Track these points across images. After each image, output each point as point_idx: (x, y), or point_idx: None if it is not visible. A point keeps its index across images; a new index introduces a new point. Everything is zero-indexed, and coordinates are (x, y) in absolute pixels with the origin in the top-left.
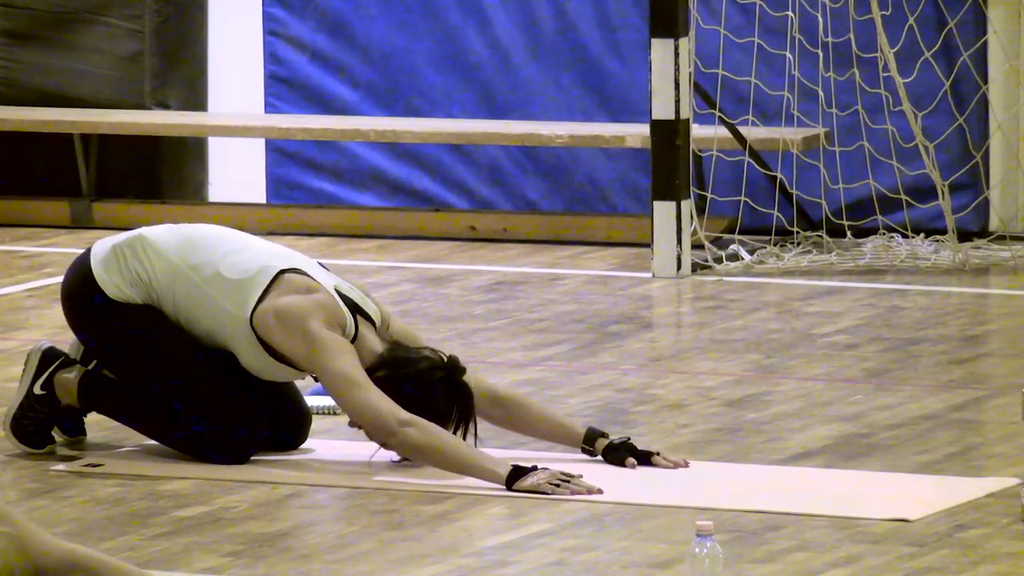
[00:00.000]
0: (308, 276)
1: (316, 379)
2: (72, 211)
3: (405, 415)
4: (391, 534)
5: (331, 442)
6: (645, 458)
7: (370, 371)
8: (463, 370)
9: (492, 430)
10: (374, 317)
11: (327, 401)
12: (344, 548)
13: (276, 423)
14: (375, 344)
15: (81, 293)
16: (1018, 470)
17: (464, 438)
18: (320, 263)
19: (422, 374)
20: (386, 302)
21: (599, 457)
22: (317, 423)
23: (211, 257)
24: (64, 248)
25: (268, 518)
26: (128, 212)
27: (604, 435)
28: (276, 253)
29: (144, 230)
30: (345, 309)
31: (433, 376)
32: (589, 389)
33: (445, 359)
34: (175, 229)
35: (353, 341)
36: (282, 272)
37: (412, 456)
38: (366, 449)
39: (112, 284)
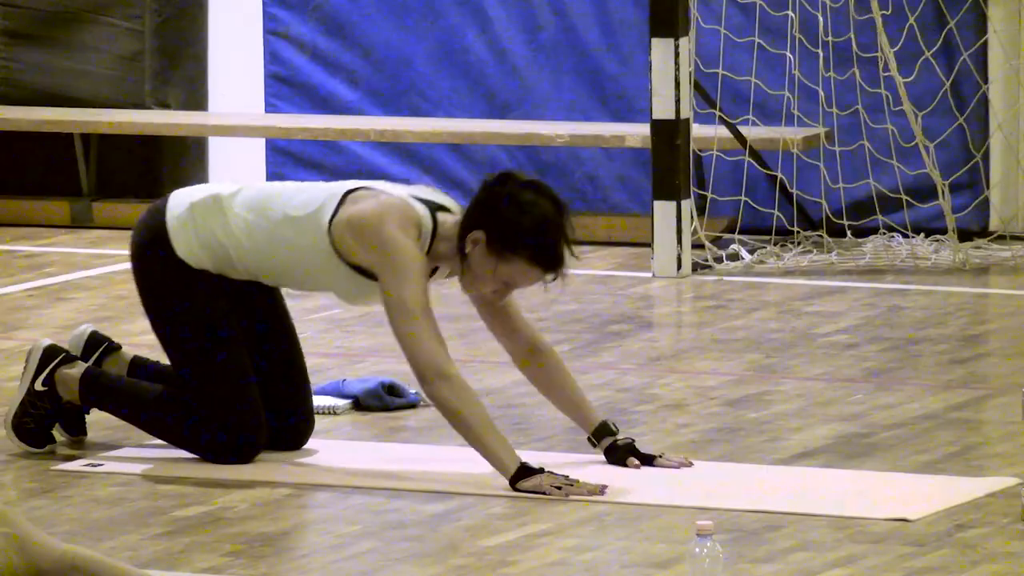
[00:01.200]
0: (374, 189)
1: None
2: (72, 211)
3: (446, 367)
4: (391, 534)
5: (331, 442)
6: (648, 460)
7: (464, 228)
8: (517, 173)
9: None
10: (454, 210)
11: (327, 401)
12: (344, 548)
13: (280, 424)
14: (457, 220)
15: (152, 247)
16: (1018, 470)
17: (565, 215)
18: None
19: (493, 192)
20: None
21: (601, 455)
22: (317, 423)
23: (277, 203)
24: (64, 248)
25: (268, 518)
26: (128, 212)
27: (612, 434)
28: (340, 183)
29: (216, 189)
30: (420, 206)
31: (501, 183)
32: (589, 389)
33: (496, 174)
34: (242, 188)
35: (434, 235)
36: (349, 192)
37: (438, 409)
38: (366, 449)
39: (184, 243)
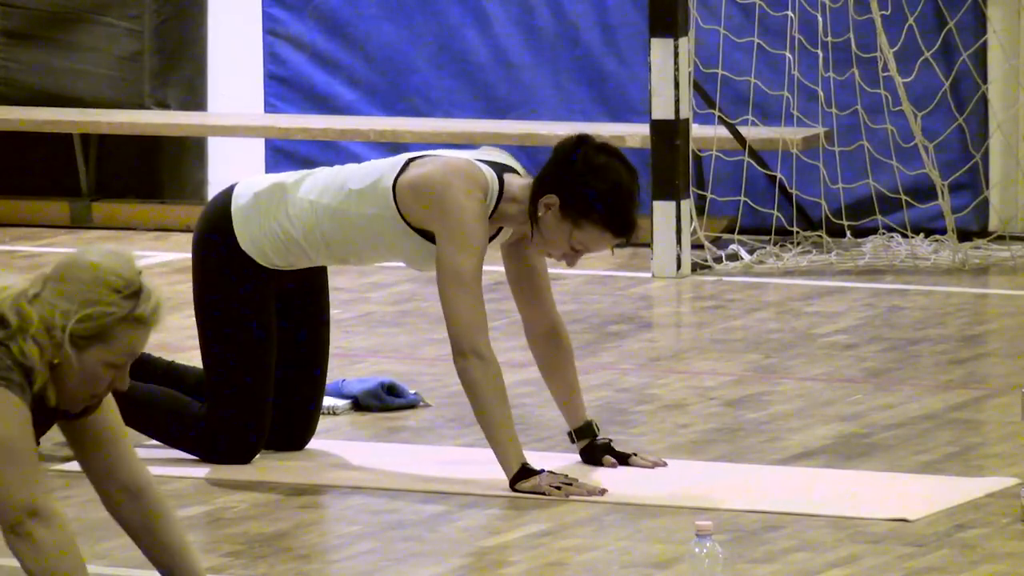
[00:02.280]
0: (437, 155)
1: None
2: (72, 211)
3: (484, 345)
4: (391, 534)
5: (331, 442)
6: (623, 459)
7: (536, 192)
8: (591, 137)
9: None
10: (521, 171)
11: (327, 401)
12: (344, 548)
13: (284, 426)
14: (525, 183)
15: (216, 237)
16: (1018, 470)
17: (636, 180)
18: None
19: (567, 155)
20: (386, 302)
21: (578, 451)
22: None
23: (339, 181)
24: (64, 248)
25: (268, 518)
26: (128, 212)
27: (594, 435)
28: (400, 155)
29: (281, 178)
30: (486, 168)
31: (575, 146)
32: (589, 389)
33: (572, 137)
34: (306, 175)
35: (500, 196)
36: (412, 159)
37: (462, 383)
38: (366, 449)
39: (248, 234)
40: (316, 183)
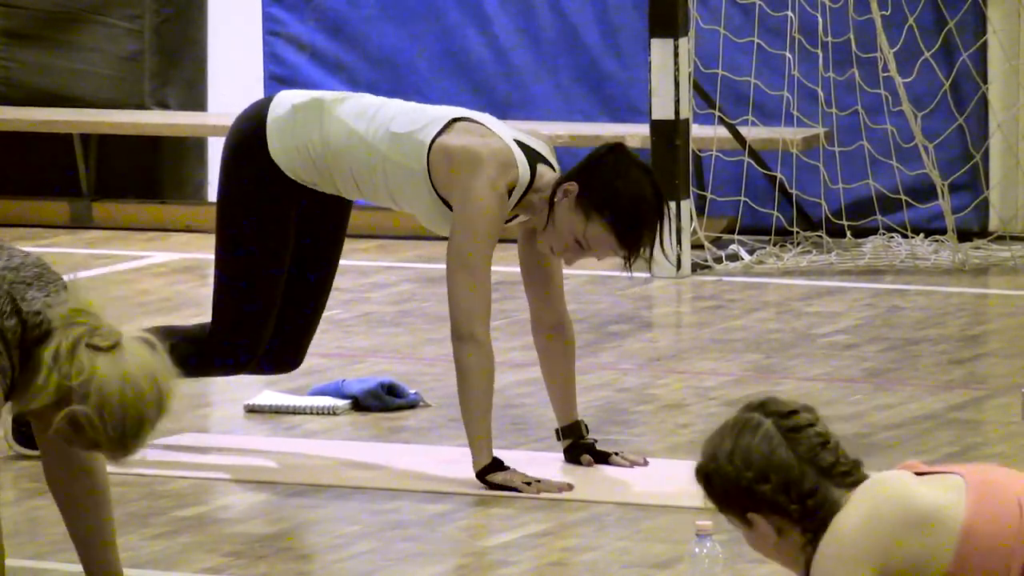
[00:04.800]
0: (482, 125)
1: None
2: (72, 211)
3: (480, 331)
4: (391, 534)
5: (331, 442)
6: (603, 459)
7: (558, 181)
8: (622, 144)
9: (496, 430)
10: (554, 164)
11: (327, 401)
12: (344, 548)
13: (280, 343)
14: (554, 177)
15: (249, 142)
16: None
17: (661, 205)
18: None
19: (600, 155)
20: (386, 302)
21: (562, 449)
22: (317, 423)
23: (381, 117)
24: (64, 248)
25: (268, 518)
26: (128, 212)
27: (580, 436)
28: (448, 108)
29: (321, 94)
30: (521, 158)
31: (611, 150)
32: (589, 389)
33: (611, 143)
34: (348, 96)
35: (529, 186)
36: (455, 120)
37: (455, 364)
38: (366, 449)
39: (280, 145)
40: (357, 107)
